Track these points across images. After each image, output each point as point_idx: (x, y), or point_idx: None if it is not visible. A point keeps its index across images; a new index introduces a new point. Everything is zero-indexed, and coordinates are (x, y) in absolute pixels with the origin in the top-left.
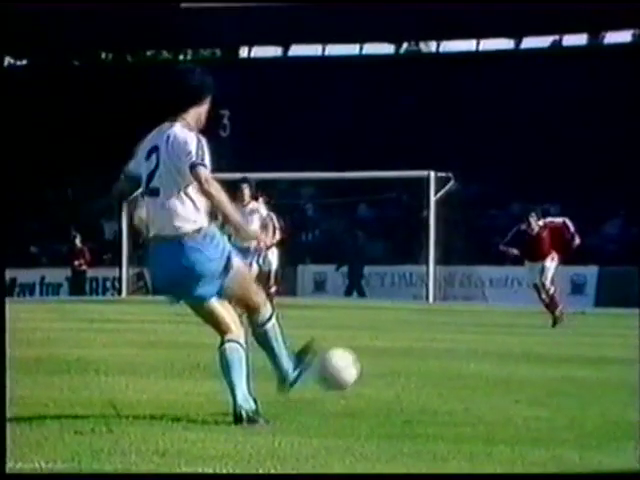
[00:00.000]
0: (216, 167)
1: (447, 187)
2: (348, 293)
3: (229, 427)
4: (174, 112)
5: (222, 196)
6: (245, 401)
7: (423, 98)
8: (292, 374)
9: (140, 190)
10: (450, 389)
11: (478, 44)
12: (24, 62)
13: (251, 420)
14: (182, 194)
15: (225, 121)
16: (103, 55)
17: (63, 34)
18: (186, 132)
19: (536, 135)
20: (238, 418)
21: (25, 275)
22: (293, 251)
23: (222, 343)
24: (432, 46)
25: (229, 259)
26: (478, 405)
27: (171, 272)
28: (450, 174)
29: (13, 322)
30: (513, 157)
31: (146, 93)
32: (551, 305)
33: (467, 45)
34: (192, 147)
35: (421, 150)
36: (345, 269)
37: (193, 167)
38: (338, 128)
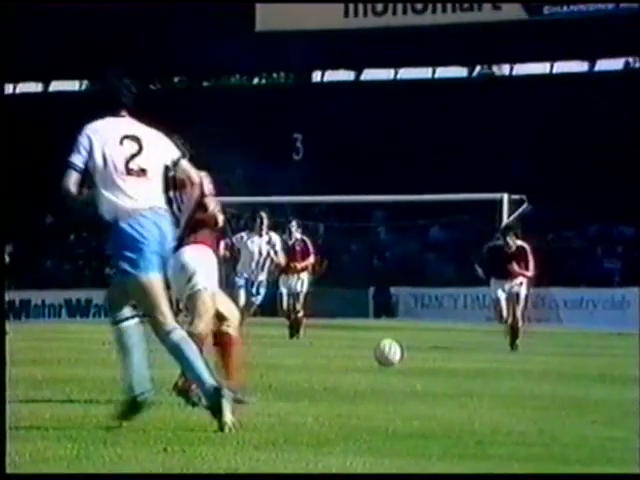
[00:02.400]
0: (290, 189)
1: (520, 209)
2: (377, 315)
3: (300, 447)
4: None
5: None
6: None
7: (496, 119)
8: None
9: (112, 170)
10: (523, 410)
11: (552, 67)
12: (97, 86)
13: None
14: (162, 176)
15: (298, 144)
16: (178, 79)
17: (136, 59)
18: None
19: (613, 156)
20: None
21: (101, 296)
22: (364, 274)
23: (171, 331)
24: (505, 68)
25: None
26: (552, 426)
27: (155, 241)
28: (523, 196)
29: (89, 343)
30: (588, 178)
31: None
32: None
33: (541, 68)
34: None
35: (495, 172)
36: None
37: (184, 156)
38: (411, 150)
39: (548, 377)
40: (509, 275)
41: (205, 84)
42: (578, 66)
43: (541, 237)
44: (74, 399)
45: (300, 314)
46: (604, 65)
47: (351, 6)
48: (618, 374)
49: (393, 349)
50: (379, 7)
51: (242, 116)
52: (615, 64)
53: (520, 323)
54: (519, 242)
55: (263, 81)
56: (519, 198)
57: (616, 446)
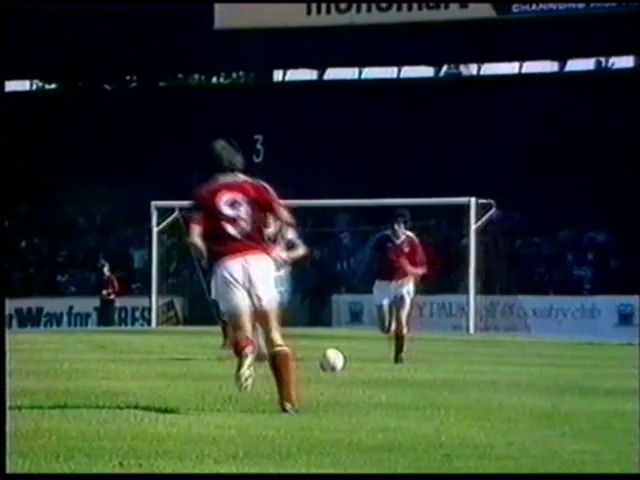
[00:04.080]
0: None
1: (488, 214)
2: (312, 323)
3: (262, 460)
4: None
5: None
6: None
7: (464, 122)
8: None
9: None
10: (492, 422)
11: (521, 66)
12: (53, 86)
13: None
14: None
15: (258, 146)
16: (132, 79)
17: (94, 58)
18: None
19: (584, 161)
20: None
21: (52, 305)
22: (327, 280)
23: None
24: (473, 68)
25: None
26: (521, 438)
27: None
28: (491, 201)
29: (41, 353)
30: (559, 183)
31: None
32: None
33: (509, 67)
34: None
35: (461, 176)
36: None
37: None
38: (374, 153)
39: (517, 388)
40: (396, 274)
41: (161, 84)
42: (548, 66)
43: (509, 243)
44: (25, 412)
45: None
46: (575, 65)
47: (314, 3)
48: (589, 385)
49: (338, 356)
50: (342, 5)
51: (200, 117)
52: (586, 64)
53: (405, 331)
54: (408, 232)
55: (222, 80)
56: (487, 202)
57: (587, 459)
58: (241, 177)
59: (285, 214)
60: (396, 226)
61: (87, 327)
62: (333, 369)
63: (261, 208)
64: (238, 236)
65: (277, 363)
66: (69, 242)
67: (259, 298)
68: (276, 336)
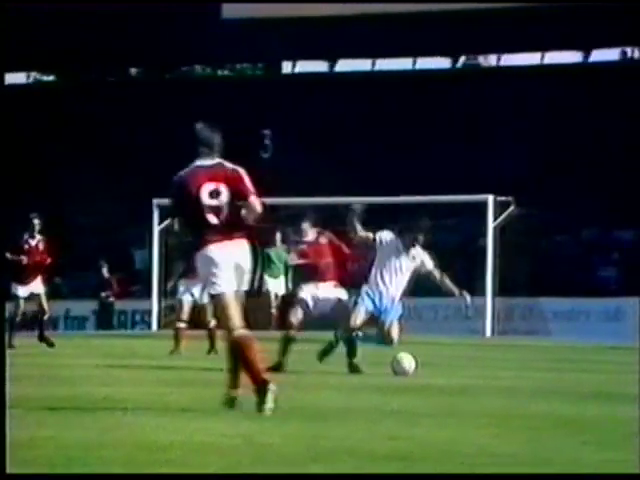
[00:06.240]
0: (257, 191)
1: (507, 212)
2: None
3: (268, 469)
4: None
5: None
6: None
7: (482, 115)
8: None
9: None
10: (511, 429)
11: (543, 57)
12: (51, 78)
13: None
14: None
15: (267, 142)
16: (137, 71)
17: (96, 49)
18: None
19: (608, 156)
20: None
21: (49, 307)
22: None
23: None
24: (492, 59)
25: None
26: (543, 446)
27: None
28: (510, 198)
29: (36, 358)
30: (583, 179)
31: None
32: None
33: (531, 58)
34: None
35: (480, 172)
36: None
37: None
38: (389, 149)
39: (537, 394)
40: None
41: (166, 76)
42: (571, 57)
43: (529, 242)
44: (22, 420)
45: (211, 324)
46: (600, 56)
47: None
48: (614, 391)
49: (410, 360)
50: None
51: (206, 111)
52: (611, 54)
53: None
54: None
55: (228, 72)
56: (505, 200)
57: (612, 468)
58: (219, 161)
59: (259, 207)
60: (303, 225)
61: (85, 331)
62: (405, 373)
63: (238, 198)
64: (220, 224)
65: (242, 344)
66: (66, 242)
67: (241, 283)
68: (239, 320)
